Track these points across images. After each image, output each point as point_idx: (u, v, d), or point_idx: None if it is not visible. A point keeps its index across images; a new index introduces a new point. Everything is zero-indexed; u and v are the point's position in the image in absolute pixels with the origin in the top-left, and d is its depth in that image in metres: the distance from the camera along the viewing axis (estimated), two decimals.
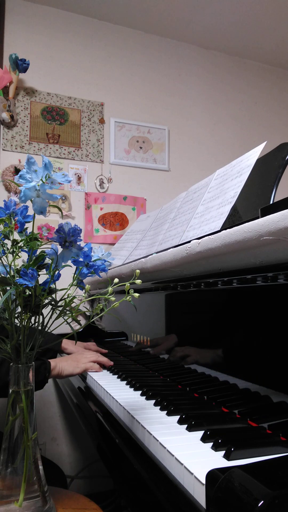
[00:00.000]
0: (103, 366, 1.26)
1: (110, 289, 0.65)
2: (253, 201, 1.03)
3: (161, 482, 0.56)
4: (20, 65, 2.03)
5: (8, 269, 0.59)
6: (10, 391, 0.63)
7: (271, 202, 0.98)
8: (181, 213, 1.23)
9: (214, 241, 0.67)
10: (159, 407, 0.79)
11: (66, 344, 1.41)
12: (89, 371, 1.21)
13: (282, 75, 2.88)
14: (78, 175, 2.24)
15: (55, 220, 2.10)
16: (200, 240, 0.72)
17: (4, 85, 2.04)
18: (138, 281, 0.66)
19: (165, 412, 0.76)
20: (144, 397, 0.88)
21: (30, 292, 0.60)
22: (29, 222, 0.63)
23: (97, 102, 2.34)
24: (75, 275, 0.64)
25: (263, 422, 0.66)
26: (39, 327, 0.63)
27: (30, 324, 0.63)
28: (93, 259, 0.64)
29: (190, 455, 0.55)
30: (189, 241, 0.78)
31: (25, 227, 0.62)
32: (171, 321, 1.11)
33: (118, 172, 2.34)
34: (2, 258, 0.61)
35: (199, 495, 0.48)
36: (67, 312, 0.64)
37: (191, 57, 2.62)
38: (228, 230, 0.64)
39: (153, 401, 0.83)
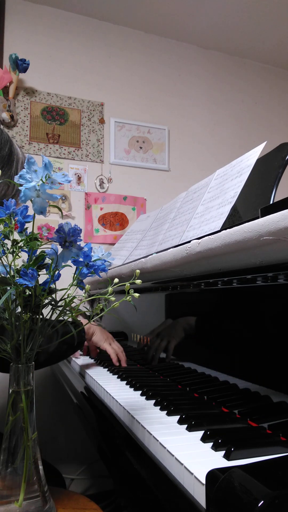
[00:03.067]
0: (106, 367, 1.26)
1: (110, 289, 0.65)
2: (253, 201, 1.03)
3: (161, 482, 0.56)
4: (20, 65, 2.04)
5: (8, 269, 0.59)
6: (10, 391, 0.63)
7: (271, 202, 0.98)
8: (181, 213, 1.23)
9: (214, 241, 0.67)
10: (159, 407, 0.79)
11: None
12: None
13: (282, 75, 2.88)
14: (78, 175, 2.24)
15: (55, 220, 2.10)
16: (200, 240, 0.72)
17: (4, 85, 2.04)
18: (138, 281, 0.66)
19: (165, 412, 0.76)
20: (144, 397, 0.88)
21: (30, 292, 0.60)
22: (29, 222, 0.63)
23: (97, 102, 2.34)
24: (75, 275, 0.64)
25: (263, 422, 0.66)
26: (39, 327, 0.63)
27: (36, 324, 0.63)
28: (93, 259, 0.64)
29: (190, 455, 0.55)
30: (189, 241, 0.78)
31: (25, 227, 0.62)
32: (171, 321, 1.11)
33: (118, 172, 2.34)
34: (2, 258, 0.61)
35: (199, 495, 0.48)
36: (67, 312, 0.64)
37: (191, 57, 2.62)
38: (228, 230, 0.64)
39: (153, 401, 0.83)
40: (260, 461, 0.47)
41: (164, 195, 2.38)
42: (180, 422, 0.69)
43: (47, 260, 0.61)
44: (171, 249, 0.86)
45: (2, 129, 1.06)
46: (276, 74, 2.87)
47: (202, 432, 0.62)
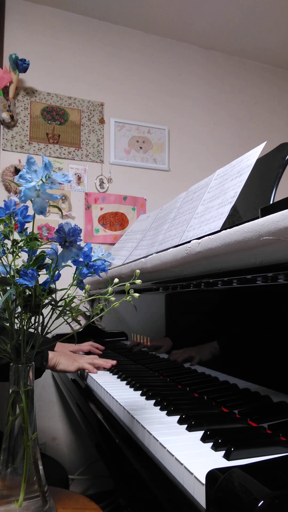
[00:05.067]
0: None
1: (110, 289, 0.65)
2: (253, 201, 1.03)
3: (161, 482, 0.56)
4: (20, 65, 2.03)
5: (8, 269, 0.59)
6: (10, 391, 0.63)
7: (271, 202, 0.98)
8: (181, 213, 1.23)
9: (214, 241, 0.67)
10: (159, 407, 0.79)
11: (59, 348, 1.41)
12: (84, 370, 1.21)
13: (282, 75, 2.88)
14: (78, 175, 2.24)
15: (55, 220, 2.10)
16: (200, 240, 0.72)
17: (4, 85, 2.04)
18: (138, 281, 0.66)
19: (165, 412, 0.76)
20: (144, 397, 0.88)
21: (30, 292, 0.60)
22: (29, 222, 0.63)
23: (97, 102, 2.34)
24: (75, 275, 0.64)
25: (263, 422, 0.66)
26: (39, 327, 0.63)
27: (30, 324, 0.63)
28: (93, 259, 0.64)
29: (190, 455, 0.55)
30: (189, 241, 0.78)
31: (25, 227, 0.62)
32: (171, 321, 1.11)
33: (118, 172, 2.34)
34: (2, 258, 0.61)
35: (199, 495, 0.48)
36: (67, 312, 0.64)
37: (191, 57, 2.62)
38: (228, 230, 0.64)
39: (153, 401, 0.83)
40: (260, 461, 0.47)
41: (164, 195, 2.38)
42: (180, 422, 0.69)
43: (47, 260, 0.61)
44: (171, 249, 0.86)
45: None
46: (276, 74, 2.87)
47: (202, 432, 0.62)
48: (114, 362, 1.26)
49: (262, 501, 0.36)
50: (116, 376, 1.14)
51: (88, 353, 1.49)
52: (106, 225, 2.27)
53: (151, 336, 1.22)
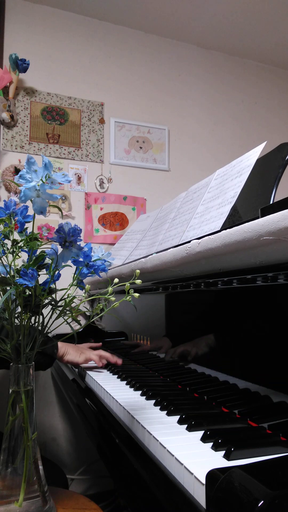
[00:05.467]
0: (106, 367, 1.26)
1: (110, 289, 0.65)
2: (253, 201, 1.03)
3: (161, 482, 0.56)
4: (20, 65, 2.03)
5: (8, 269, 0.59)
6: (10, 391, 0.63)
7: (271, 202, 0.98)
8: (181, 213, 1.23)
9: (214, 241, 0.67)
10: (159, 407, 0.79)
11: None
12: (90, 363, 1.22)
13: (282, 75, 2.88)
14: (78, 175, 2.24)
15: (55, 220, 2.10)
16: (200, 240, 0.72)
17: (4, 85, 2.04)
18: (138, 281, 0.66)
19: (165, 412, 0.76)
20: (144, 397, 0.88)
21: (30, 292, 0.60)
22: (29, 222, 0.63)
23: (97, 102, 2.34)
24: (75, 275, 0.64)
25: (263, 422, 0.66)
26: (39, 327, 0.63)
27: (30, 323, 0.63)
28: (93, 259, 0.64)
29: (190, 455, 0.55)
30: (189, 241, 0.78)
31: (25, 227, 0.62)
32: (171, 321, 1.11)
33: (118, 172, 2.34)
34: (2, 258, 0.61)
35: (199, 495, 0.48)
36: (67, 312, 0.64)
37: (191, 57, 2.62)
38: (228, 230, 0.64)
39: (153, 401, 0.83)
40: (260, 461, 0.47)
41: (164, 195, 2.38)
42: (180, 422, 0.69)
43: (47, 260, 0.61)
44: (171, 249, 0.86)
45: None
46: (276, 74, 2.87)
47: (202, 432, 0.62)
48: (120, 360, 1.26)
49: (262, 501, 0.36)
50: (116, 376, 1.14)
51: None
52: (106, 225, 2.27)
53: (151, 336, 1.22)
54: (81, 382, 1.22)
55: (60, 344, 1.19)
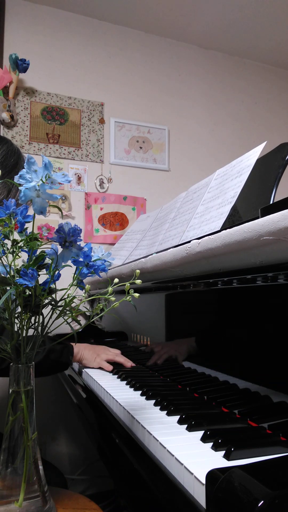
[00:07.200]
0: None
1: (110, 289, 0.65)
2: (253, 201, 1.03)
3: (161, 482, 0.56)
4: (20, 65, 2.03)
5: (8, 269, 0.59)
6: (10, 391, 0.63)
7: (271, 202, 0.98)
8: (181, 213, 1.23)
9: (214, 241, 0.67)
10: (159, 407, 0.79)
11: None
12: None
13: (282, 75, 2.88)
14: (78, 175, 2.24)
15: (55, 220, 2.10)
16: (200, 240, 0.72)
17: (4, 85, 2.04)
18: (138, 281, 0.66)
19: (165, 412, 0.76)
20: (144, 397, 0.88)
21: (30, 292, 0.60)
22: (29, 222, 0.63)
23: (97, 102, 2.34)
24: (75, 275, 0.64)
25: (263, 422, 0.66)
26: (39, 327, 0.63)
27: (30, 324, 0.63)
28: (93, 259, 0.64)
29: (190, 455, 0.55)
30: (189, 241, 0.78)
31: (25, 227, 0.62)
32: (171, 321, 1.11)
33: (118, 172, 2.34)
34: (2, 258, 0.61)
35: (199, 495, 0.48)
36: (67, 312, 0.64)
37: (191, 57, 2.62)
38: (228, 230, 0.64)
39: (153, 401, 0.83)
40: (260, 461, 0.47)
41: (164, 195, 2.38)
42: (180, 422, 0.69)
43: (47, 260, 0.61)
44: (171, 249, 0.86)
45: (12, 143, 1.11)
46: (276, 74, 2.87)
47: (202, 432, 0.62)
48: (133, 364, 1.25)
49: (262, 501, 0.36)
50: (116, 376, 1.14)
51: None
52: (106, 225, 2.27)
53: (151, 336, 1.22)
54: (81, 382, 1.22)
55: (75, 348, 1.15)
